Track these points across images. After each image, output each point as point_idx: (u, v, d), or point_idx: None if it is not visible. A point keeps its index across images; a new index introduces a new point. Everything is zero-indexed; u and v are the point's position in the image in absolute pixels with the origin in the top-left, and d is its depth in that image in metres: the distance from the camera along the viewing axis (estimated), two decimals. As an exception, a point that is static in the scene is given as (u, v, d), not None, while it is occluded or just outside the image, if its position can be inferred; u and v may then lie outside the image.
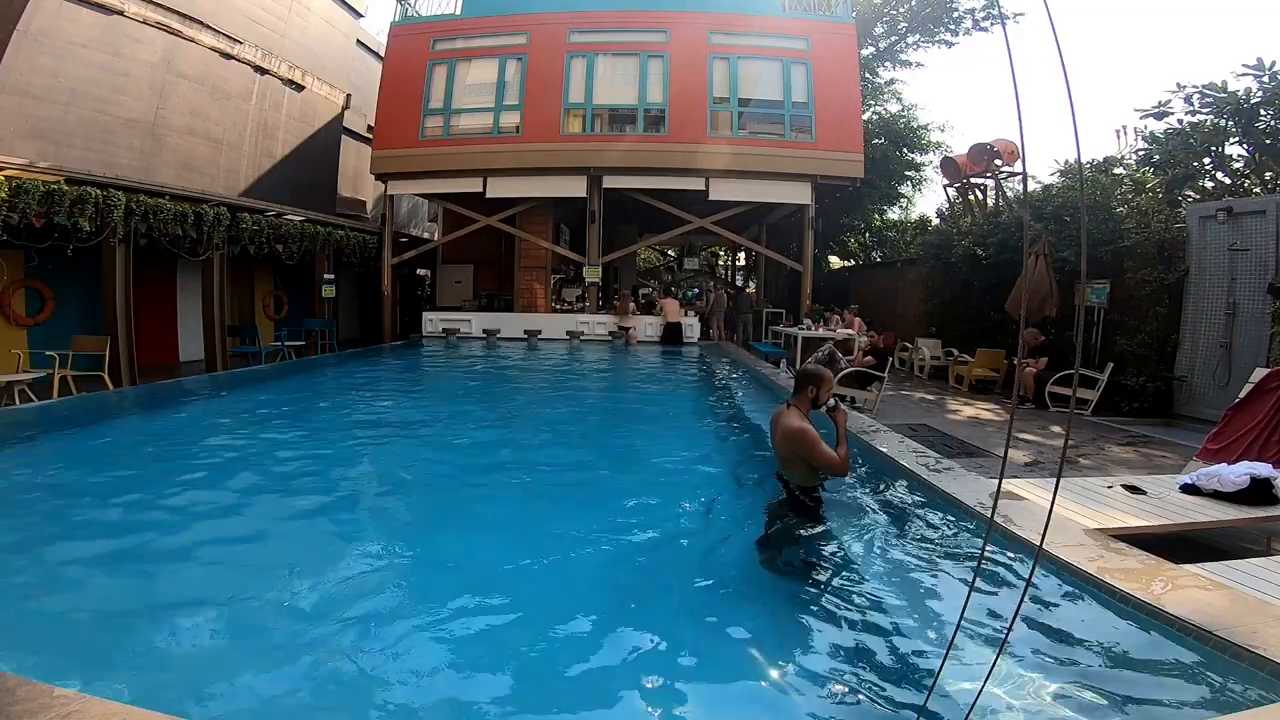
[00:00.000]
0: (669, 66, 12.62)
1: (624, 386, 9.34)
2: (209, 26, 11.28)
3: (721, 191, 12.53)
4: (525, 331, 12.86)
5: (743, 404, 7.17)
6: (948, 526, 3.13)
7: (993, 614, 2.34)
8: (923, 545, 3.02)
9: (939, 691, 1.85)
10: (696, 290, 22.73)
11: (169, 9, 10.51)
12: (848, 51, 12.96)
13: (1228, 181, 8.77)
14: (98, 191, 7.96)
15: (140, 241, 8.74)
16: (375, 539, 3.40)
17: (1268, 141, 8.01)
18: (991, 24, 17.91)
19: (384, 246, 13.60)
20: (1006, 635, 1.11)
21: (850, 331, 10.94)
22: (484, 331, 13.02)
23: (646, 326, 13.17)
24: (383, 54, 14.24)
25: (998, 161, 12.47)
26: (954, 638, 1.17)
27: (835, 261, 21.54)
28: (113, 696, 1.49)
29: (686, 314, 13.64)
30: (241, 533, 3.37)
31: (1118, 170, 10.48)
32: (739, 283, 23.12)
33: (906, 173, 18.67)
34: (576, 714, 2.00)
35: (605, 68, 12.87)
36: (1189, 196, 8.88)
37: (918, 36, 19.07)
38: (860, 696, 2.03)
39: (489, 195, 12.82)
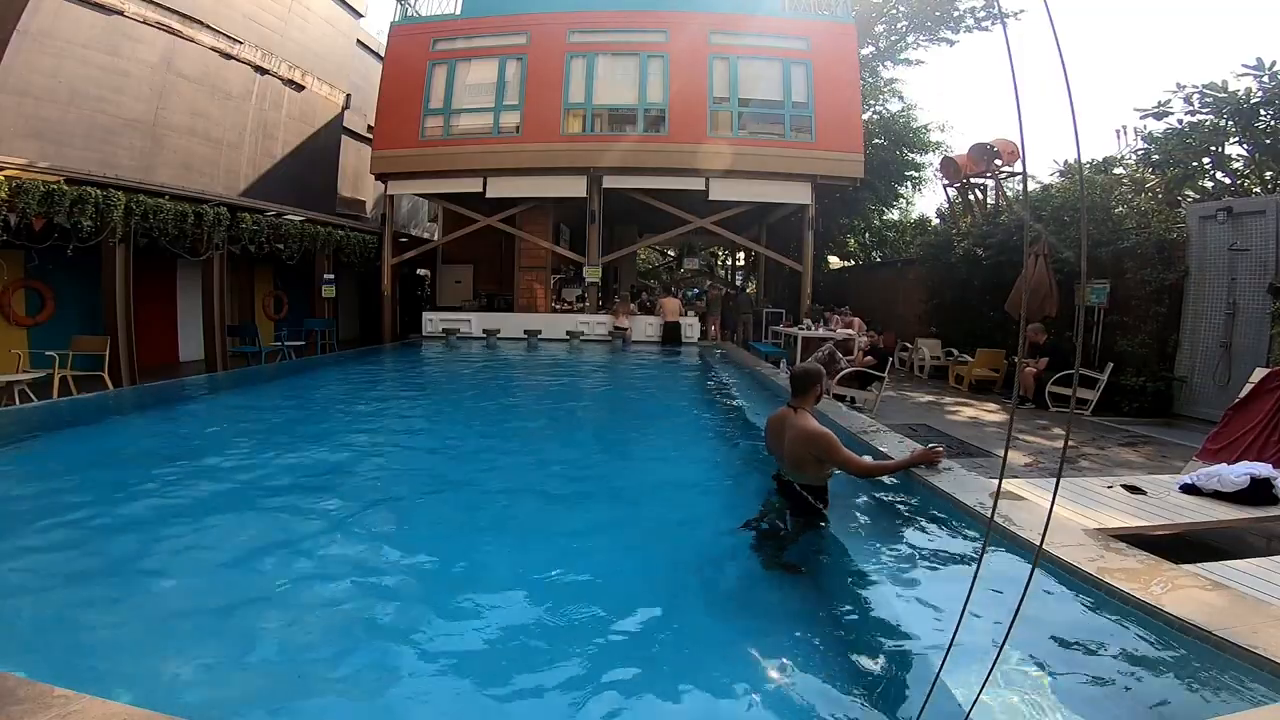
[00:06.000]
0: (669, 66, 12.62)
1: (622, 387, 9.33)
2: (209, 26, 11.28)
3: (721, 191, 12.52)
4: (525, 332, 12.86)
5: (742, 404, 7.17)
6: (948, 527, 3.13)
7: (993, 614, 2.34)
8: (922, 545, 3.02)
9: (939, 692, 1.85)
10: (697, 290, 22.73)
11: (169, 9, 10.51)
12: (848, 51, 12.96)
13: (1228, 181, 8.77)
14: (98, 191, 7.96)
15: (140, 241, 8.73)
16: (372, 543, 3.39)
17: (1268, 141, 8.03)
18: (992, 23, 17.91)
19: (384, 246, 13.60)
20: (1006, 635, 1.11)
21: (850, 332, 10.94)
22: (484, 331, 13.02)
23: (646, 326, 13.17)
24: (383, 54, 14.24)
25: (998, 161, 12.46)
26: (954, 638, 1.17)
27: (835, 261, 21.54)
28: (113, 697, 1.49)
29: (686, 314, 13.64)
30: (241, 537, 3.37)
31: (1118, 170, 10.49)
32: (739, 283, 23.11)
33: (906, 173, 18.66)
34: (570, 713, 2.00)
35: (605, 68, 12.87)
36: (1189, 196, 8.88)
37: (918, 35, 19.07)
38: (860, 696, 2.03)
39: (489, 195, 12.82)
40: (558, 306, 14.44)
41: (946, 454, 3.75)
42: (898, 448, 4.22)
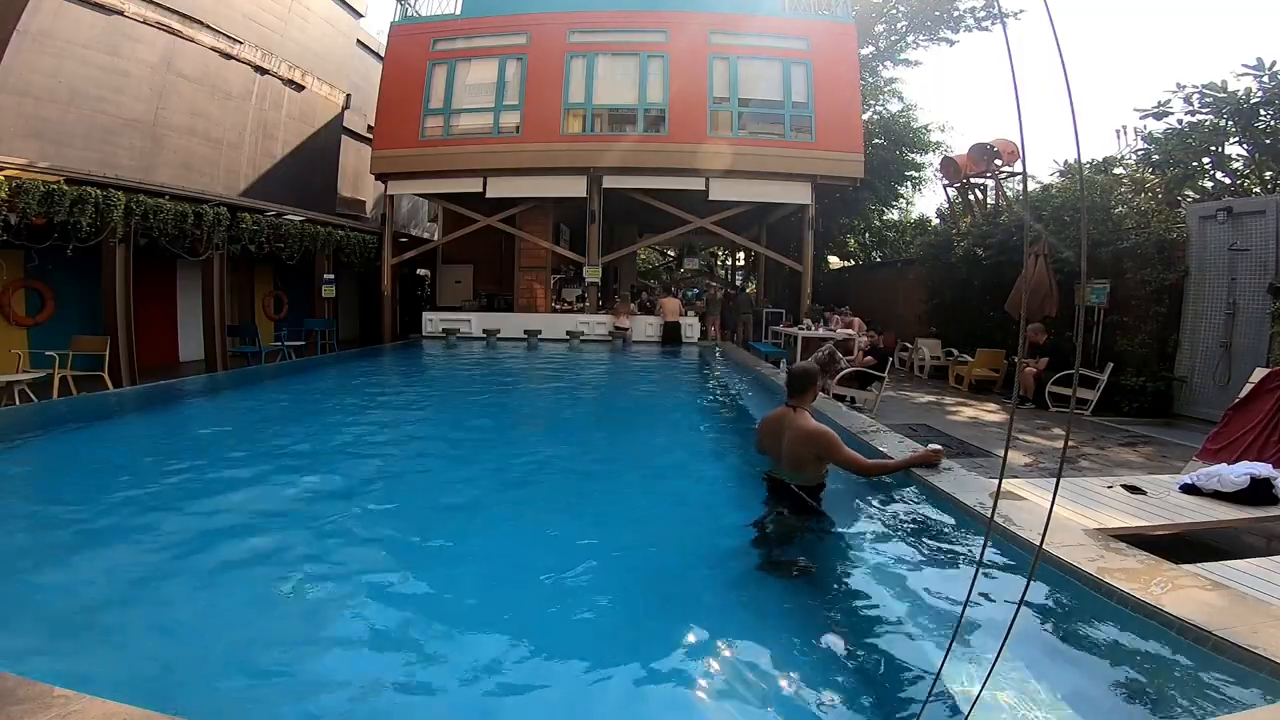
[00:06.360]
0: (669, 66, 12.62)
1: (622, 387, 9.33)
2: (209, 26, 11.28)
3: (721, 191, 12.53)
4: (525, 332, 12.86)
5: (741, 403, 7.17)
6: (947, 527, 3.13)
7: (993, 614, 2.34)
8: (922, 545, 3.02)
9: (939, 691, 1.85)
10: (697, 290, 22.74)
11: (169, 9, 10.51)
12: (848, 51, 12.96)
13: (1228, 181, 8.78)
14: (98, 191, 7.96)
15: (140, 241, 8.73)
16: (372, 545, 3.39)
17: (1267, 141, 8.03)
18: (992, 23, 17.91)
19: (384, 246, 13.60)
20: (1006, 635, 1.11)
21: (850, 332, 10.94)
22: (484, 332, 13.02)
23: (646, 326, 13.18)
24: (383, 54, 14.24)
25: (998, 161, 12.47)
26: (954, 638, 1.17)
27: (835, 261, 21.54)
28: (113, 696, 1.49)
29: (686, 314, 13.64)
30: (243, 543, 3.36)
31: (1118, 170, 10.49)
32: (739, 283, 23.11)
33: (906, 173, 18.66)
34: (566, 713, 2.00)
35: (605, 68, 12.87)
36: (1189, 196, 8.88)
37: (918, 35, 19.08)
38: (860, 697, 2.02)
39: (489, 195, 12.82)
40: (558, 306, 14.45)
41: (946, 454, 3.75)
42: (898, 448, 4.22)
